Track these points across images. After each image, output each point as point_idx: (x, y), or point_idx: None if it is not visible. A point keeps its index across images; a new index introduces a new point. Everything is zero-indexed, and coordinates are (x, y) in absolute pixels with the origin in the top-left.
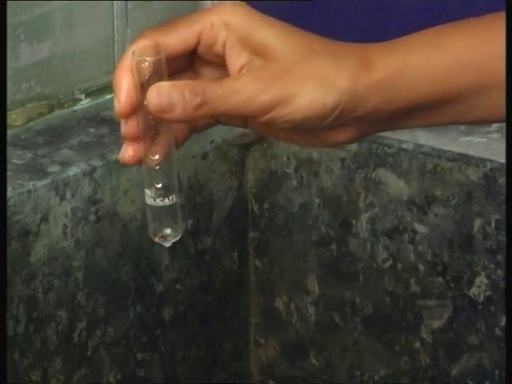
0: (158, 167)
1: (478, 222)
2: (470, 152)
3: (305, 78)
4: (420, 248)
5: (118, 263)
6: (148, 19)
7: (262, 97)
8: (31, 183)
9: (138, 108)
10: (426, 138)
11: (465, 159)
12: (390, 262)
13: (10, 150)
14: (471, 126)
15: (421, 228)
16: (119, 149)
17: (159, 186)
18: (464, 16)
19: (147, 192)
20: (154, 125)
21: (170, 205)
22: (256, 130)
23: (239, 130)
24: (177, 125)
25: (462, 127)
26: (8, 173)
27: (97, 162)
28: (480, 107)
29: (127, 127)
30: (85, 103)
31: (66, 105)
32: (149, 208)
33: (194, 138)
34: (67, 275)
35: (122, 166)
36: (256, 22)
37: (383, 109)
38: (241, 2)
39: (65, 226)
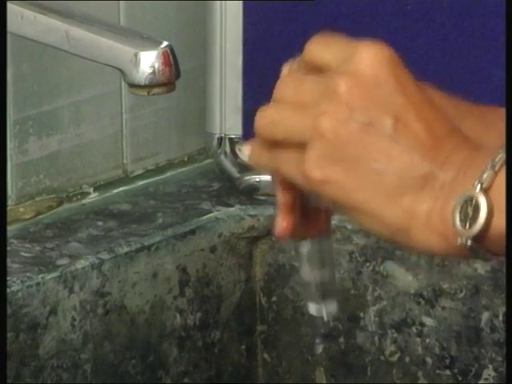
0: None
1: (485, 315)
2: None
3: None
4: (428, 341)
5: (126, 356)
6: (156, 116)
7: None
8: (40, 276)
9: None
10: None
11: None
12: (397, 354)
13: (18, 244)
14: None
15: (428, 321)
16: (127, 242)
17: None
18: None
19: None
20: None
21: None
22: None
23: (247, 224)
24: None
25: None
26: (16, 265)
27: (105, 256)
28: None
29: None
30: (93, 197)
31: (75, 198)
32: (308, 285)
33: (202, 231)
34: (76, 368)
35: (130, 259)
36: None
37: None
38: None
39: (73, 319)
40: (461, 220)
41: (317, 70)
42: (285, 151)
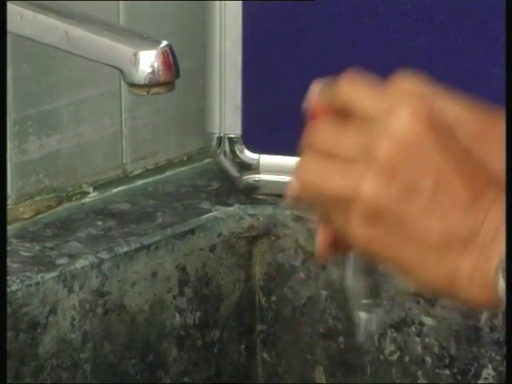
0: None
1: (484, 314)
2: None
3: None
4: (427, 340)
5: (125, 356)
6: (155, 116)
7: None
8: (39, 275)
9: None
10: None
11: None
12: (397, 354)
13: (18, 243)
14: None
15: (428, 320)
16: (126, 241)
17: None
18: None
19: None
20: None
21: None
22: None
23: (247, 223)
24: None
25: None
26: (16, 265)
27: (104, 255)
28: None
29: None
30: (93, 196)
31: (74, 198)
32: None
33: (201, 231)
34: (75, 367)
35: (130, 259)
36: None
37: None
38: None
39: (73, 319)
40: (502, 281)
41: (350, 115)
42: (329, 206)
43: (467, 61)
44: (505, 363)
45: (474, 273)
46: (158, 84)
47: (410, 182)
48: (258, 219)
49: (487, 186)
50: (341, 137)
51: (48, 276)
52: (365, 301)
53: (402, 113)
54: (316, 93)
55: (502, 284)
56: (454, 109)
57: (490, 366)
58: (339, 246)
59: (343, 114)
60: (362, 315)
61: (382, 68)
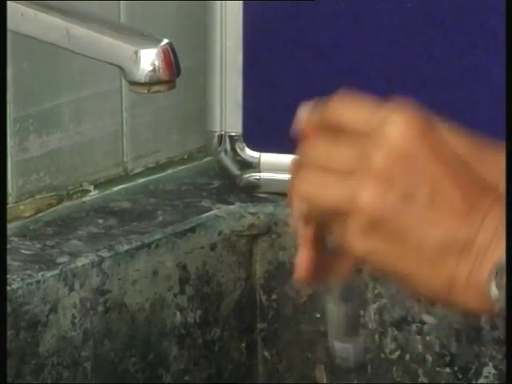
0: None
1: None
2: None
3: None
4: (428, 339)
5: (126, 354)
6: (156, 114)
7: None
8: (40, 274)
9: None
10: None
11: None
12: (398, 352)
13: (18, 241)
14: None
15: (429, 319)
16: (127, 240)
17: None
18: None
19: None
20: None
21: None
22: None
23: (247, 222)
24: None
25: None
26: (16, 263)
27: (105, 253)
28: None
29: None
30: (93, 194)
31: (75, 196)
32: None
33: (202, 229)
34: (76, 366)
35: (130, 257)
36: None
37: None
38: None
39: (73, 317)
40: (496, 288)
41: (341, 131)
42: (326, 218)
43: (467, 60)
44: (505, 362)
45: (469, 280)
46: (159, 82)
47: (406, 191)
48: (259, 217)
49: (483, 195)
50: (334, 151)
51: (49, 274)
52: (342, 331)
53: (395, 124)
54: (306, 113)
55: (494, 289)
56: (449, 132)
57: (490, 364)
58: (323, 271)
59: (335, 131)
60: (337, 344)
61: (382, 68)
